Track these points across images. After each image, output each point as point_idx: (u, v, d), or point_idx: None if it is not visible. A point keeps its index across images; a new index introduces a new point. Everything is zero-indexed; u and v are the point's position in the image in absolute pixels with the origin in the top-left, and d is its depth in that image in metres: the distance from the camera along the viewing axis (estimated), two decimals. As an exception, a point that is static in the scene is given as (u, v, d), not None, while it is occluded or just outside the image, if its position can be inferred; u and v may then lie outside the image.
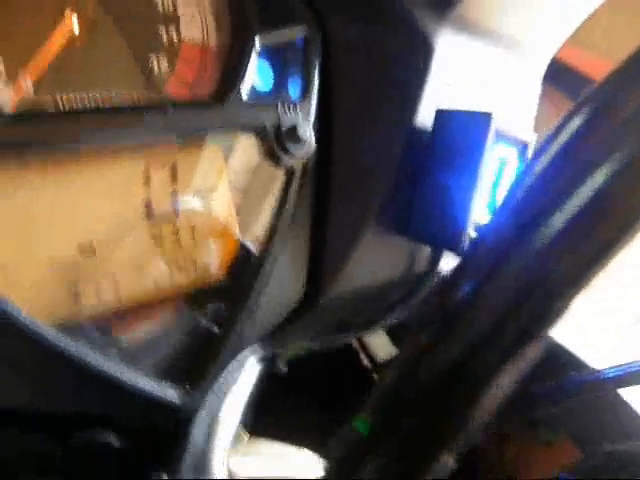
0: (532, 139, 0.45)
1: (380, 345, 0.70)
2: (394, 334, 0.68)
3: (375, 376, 0.70)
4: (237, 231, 0.40)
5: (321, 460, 0.61)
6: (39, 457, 0.38)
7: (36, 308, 0.34)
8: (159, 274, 0.38)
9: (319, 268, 0.42)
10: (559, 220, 0.20)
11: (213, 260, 0.40)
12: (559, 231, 0.19)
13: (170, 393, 0.35)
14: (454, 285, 0.21)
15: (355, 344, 0.70)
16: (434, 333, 0.21)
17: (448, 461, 0.21)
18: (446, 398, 0.20)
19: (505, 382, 0.20)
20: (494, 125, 0.41)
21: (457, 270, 0.22)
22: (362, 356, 0.71)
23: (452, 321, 0.20)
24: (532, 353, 0.20)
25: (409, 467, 0.20)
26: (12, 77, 0.33)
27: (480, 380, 0.20)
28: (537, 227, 0.20)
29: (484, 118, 0.41)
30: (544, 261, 0.19)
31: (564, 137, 0.21)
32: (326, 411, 0.70)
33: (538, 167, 0.22)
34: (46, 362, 0.33)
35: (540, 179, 0.21)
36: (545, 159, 0.22)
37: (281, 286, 0.40)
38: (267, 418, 0.42)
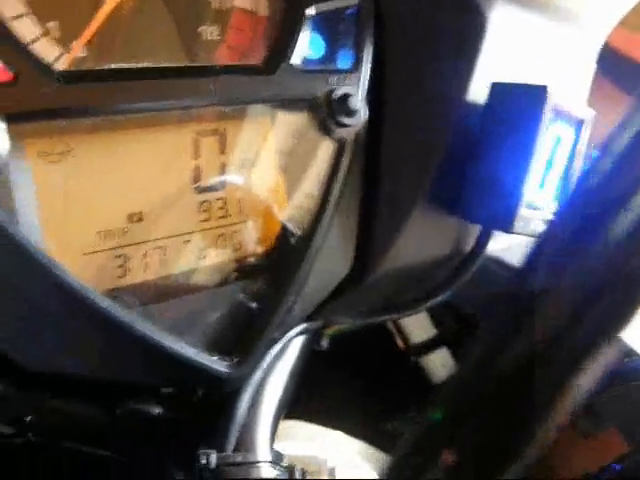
0: (589, 117, 0.44)
1: (415, 327, 0.69)
2: (436, 316, 0.68)
3: (411, 358, 0.70)
4: (285, 204, 0.40)
5: (352, 440, 0.61)
6: (84, 424, 0.38)
7: (86, 275, 0.34)
8: (206, 245, 0.38)
9: (367, 244, 0.41)
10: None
11: (260, 233, 0.40)
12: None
13: (217, 364, 0.35)
14: (528, 275, 0.20)
15: (390, 326, 0.70)
16: (508, 325, 0.20)
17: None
18: (522, 394, 0.19)
19: (583, 383, 0.19)
20: (550, 100, 0.40)
21: (531, 259, 0.21)
22: (398, 339, 0.70)
23: (526, 313, 0.19)
24: (610, 354, 0.19)
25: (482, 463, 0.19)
26: (66, 41, 0.33)
27: (557, 377, 0.19)
28: (616, 215, 0.19)
29: (540, 92, 0.40)
30: (624, 251, 0.18)
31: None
32: (362, 389, 0.70)
33: (616, 150, 0.21)
34: (94, 329, 0.33)
35: (619, 163, 0.20)
36: (623, 142, 0.21)
37: (329, 261, 0.40)
38: (308, 392, 0.42)
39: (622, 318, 0.19)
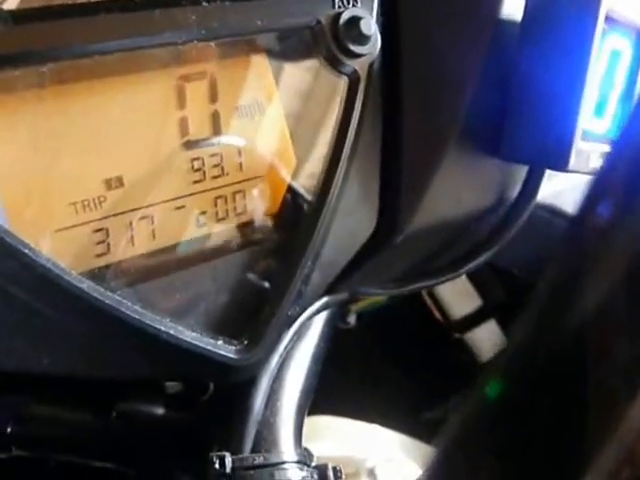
0: (650, 25, 0.38)
1: (455, 298, 0.64)
2: (480, 282, 0.62)
3: (453, 335, 0.65)
4: (292, 157, 0.35)
5: (391, 434, 0.56)
6: (74, 432, 0.35)
7: (61, 255, 0.30)
8: (202, 211, 0.34)
9: (393, 198, 0.36)
10: None
11: (266, 193, 0.35)
12: None
13: (222, 349, 0.31)
14: (588, 214, 0.15)
15: (426, 297, 0.64)
16: (570, 274, 0.15)
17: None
18: (594, 360, 0.14)
19: None
20: (604, 6, 0.35)
21: (589, 200, 0.16)
22: (436, 313, 0.65)
23: (590, 258, 0.15)
24: None
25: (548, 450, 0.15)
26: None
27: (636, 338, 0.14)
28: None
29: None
30: None
31: None
32: (398, 373, 0.66)
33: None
34: (72, 317, 0.29)
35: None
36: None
37: (349, 221, 0.35)
38: (337, 377, 0.37)
39: None
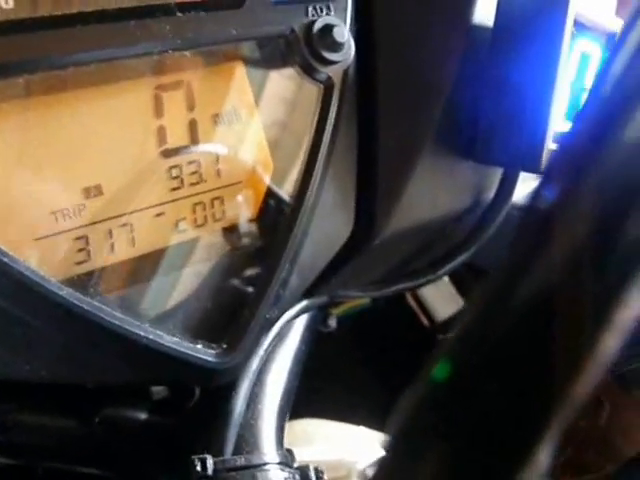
0: (618, 27, 0.39)
1: (439, 300, 0.65)
2: (461, 282, 0.63)
3: (439, 337, 0.65)
4: (270, 163, 0.36)
5: (379, 435, 0.57)
6: (59, 439, 0.35)
7: (41, 263, 0.30)
8: (181, 218, 0.34)
9: (370, 201, 0.37)
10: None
11: (244, 199, 0.36)
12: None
13: (202, 353, 0.31)
14: (537, 199, 0.16)
15: (412, 303, 0.65)
16: (522, 250, 0.16)
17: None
18: (545, 337, 0.15)
19: (617, 325, 0.15)
20: (571, 11, 0.36)
21: (546, 174, 0.17)
22: (421, 316, 0.66)
23: (542, 235, 0.15)
24: None
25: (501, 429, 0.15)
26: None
27: (585, 310, 0.15)
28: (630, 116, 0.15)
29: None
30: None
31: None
32: (384, 376, 0.66)
33: (626, 52, 0.17)
34: (52, 324, 0.29)
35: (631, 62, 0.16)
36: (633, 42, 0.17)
37: (326, 224, 0.36)
38: (319, 382, 0.38)
39: None
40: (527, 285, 0.15)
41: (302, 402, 0.38)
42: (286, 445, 0.37)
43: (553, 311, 0.14)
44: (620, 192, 0.14)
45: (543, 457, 0.14)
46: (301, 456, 0.36)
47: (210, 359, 0.32)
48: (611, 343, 0.14)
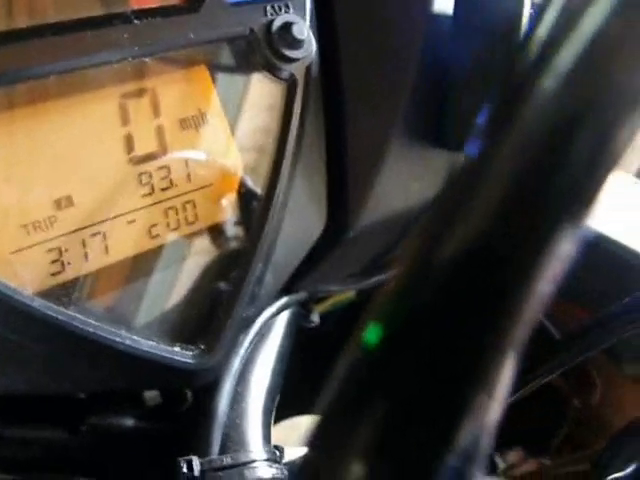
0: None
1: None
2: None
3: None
4: (240, 164, 0.36)
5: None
6: (48, 450, 0.35)
7: (16, 276, 0.31)
8: (154, 223, 0.35)
9: (341, 195, 0.37)
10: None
11: (215, 201, 0.36)
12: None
13: (179, 355, 0.32)
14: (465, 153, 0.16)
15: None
16: (448, 205, 0.15)
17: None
18: (476, 290, 0.15)
19: (543, 276, 0.15)
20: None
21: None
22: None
23: (468, 189, 0.15)
24: (570, 239, 0.14)
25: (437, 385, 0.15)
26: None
27: (512, 262, 0.14)
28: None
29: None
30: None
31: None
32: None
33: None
34: (27, 336, 0.29)
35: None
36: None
37: (298, 220, 0.36)
38: (306, 376, 0.38)
39: (590, 173, 0.14)
40: (455, 237, 0.15)
41: (288, 398, 0.39)
42: (279, 443, 0.37)
43: (482, 262, 0.14)
44: (541, 142, 0.14)
45: (484, 405, 0.14)
46: (295, 453, 0.37)
47: (188, 361, 0.32)
48: (544, 290, 0.14)
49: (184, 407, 0.38)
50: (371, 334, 0.14)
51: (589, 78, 0.14)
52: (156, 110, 0.35)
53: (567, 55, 0.14)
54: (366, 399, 0.14)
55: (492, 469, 0.52)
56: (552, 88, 0.14)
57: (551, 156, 0.14)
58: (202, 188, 0.36)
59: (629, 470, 0.36)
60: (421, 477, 0.14)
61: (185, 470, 0.32)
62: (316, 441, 0.15)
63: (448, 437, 0.14)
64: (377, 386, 0.14)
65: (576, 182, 0.14)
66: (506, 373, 0.14)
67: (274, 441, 0.37)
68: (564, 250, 0.14)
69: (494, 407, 0.14)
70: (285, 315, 0.39)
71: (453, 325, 0.14)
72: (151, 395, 0.39)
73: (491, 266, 0.14)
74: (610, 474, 0.36)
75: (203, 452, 0.33)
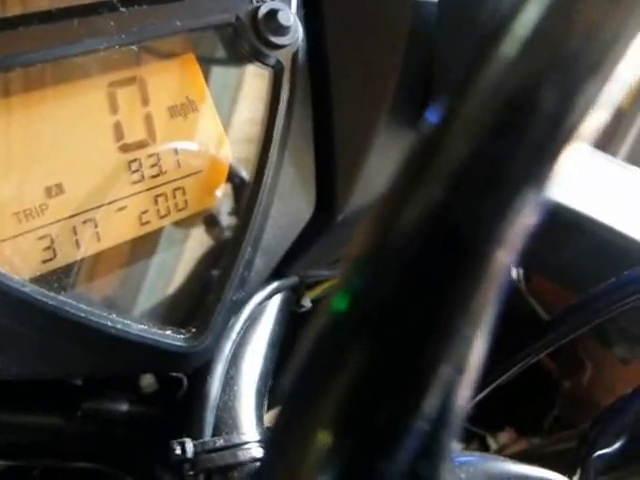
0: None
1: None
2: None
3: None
4: (229, 151, 0.36)
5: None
6: (43, 436, 0.35)
7: (9, 264, 0.31)
8: (144, 210, 0.35)
9: (329, 179, 0.37)
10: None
11: (205, 186, 0.36)
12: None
13: (171, 338, 0.32)
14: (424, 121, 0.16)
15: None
16: (407, 174, 0.15)
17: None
18: (437, 257, 0.14)
19: (504, 244, 0.14)
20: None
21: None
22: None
23: (426, 151, 0.15)
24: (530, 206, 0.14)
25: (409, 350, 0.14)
26: None
27: (472, 229, 0.14)
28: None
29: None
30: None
31: None
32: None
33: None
34: (19, 321, 0.29)
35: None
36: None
37: (287, 204, 0.36)
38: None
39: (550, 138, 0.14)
40: (416, 204, 0.15)
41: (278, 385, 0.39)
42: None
43: (442, 229, 0.14)
44: (500, 108, 0.14)
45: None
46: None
47: (180, 344, 0.32)
48: (505, 259, 0.14)
49: (180, 393, 0.38)
50: (338, 301, 0.15)
51: (546, 44, 0.14)
52: (145, 98, 0.35)
53: (526, 21, 0.14)
54: (333, 366, 0.14)
55: (484, 450, 0.53)
56: (511, 55, 0.14)
57: (510, 120, 0.14)
58: (191, 175, 0.36)
59: (616, 446, 0.37)
60: (387, 444, 0.14)
61: (178, 452, 0.32)
62: (284, 411, 0.15)
63: (413, 406, 0.14)
64: (343, 352, 0.14)
65: (536, 148, 0.14)
66: (473, 345, 0.14)
67: (268, 424, 0.37)
68: (525, 218, 0.14)
69: (462, 380, 0.14)
70: (276, 300, 0.40)
71: (414, 292, 0.14)
72: (148, 382, 0.39)
73: (451, 234, 0.14)
74: (597, 450, 0.37)
75: (196, 435, 0.33)
